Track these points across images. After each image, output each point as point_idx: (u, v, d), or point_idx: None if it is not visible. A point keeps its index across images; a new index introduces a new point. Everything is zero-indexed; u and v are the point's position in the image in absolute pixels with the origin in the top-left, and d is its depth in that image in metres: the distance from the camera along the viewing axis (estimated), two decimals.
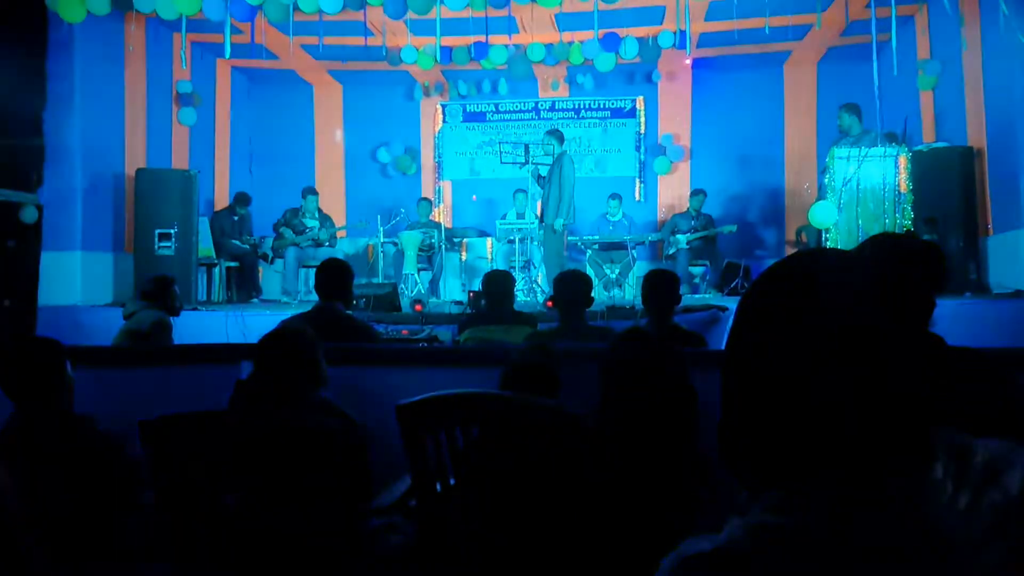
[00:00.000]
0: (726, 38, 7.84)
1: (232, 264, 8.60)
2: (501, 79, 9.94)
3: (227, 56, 7.59)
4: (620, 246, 8.36)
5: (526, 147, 7.86)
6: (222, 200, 9.45)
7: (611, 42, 8.15)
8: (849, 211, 6.50)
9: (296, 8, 7.07)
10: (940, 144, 6.97)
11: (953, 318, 5.18)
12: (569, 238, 8.43)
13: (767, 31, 7.47)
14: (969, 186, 6.62)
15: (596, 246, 8.48)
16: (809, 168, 9.30)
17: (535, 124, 10.00)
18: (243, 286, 8.74)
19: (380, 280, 8.13)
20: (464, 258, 9.35)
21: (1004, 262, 6.33)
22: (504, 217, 9.14)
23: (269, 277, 9.26)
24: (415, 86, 10.37)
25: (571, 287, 3.74)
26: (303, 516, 2.06)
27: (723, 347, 0.90)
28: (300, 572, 2.06)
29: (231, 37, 7.18)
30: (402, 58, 8.21)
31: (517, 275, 7.57)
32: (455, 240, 9.19)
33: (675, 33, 7.98)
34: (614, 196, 9.03)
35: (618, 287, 8.24)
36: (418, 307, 6.59)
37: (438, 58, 8.01)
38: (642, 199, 10.25)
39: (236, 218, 8.73)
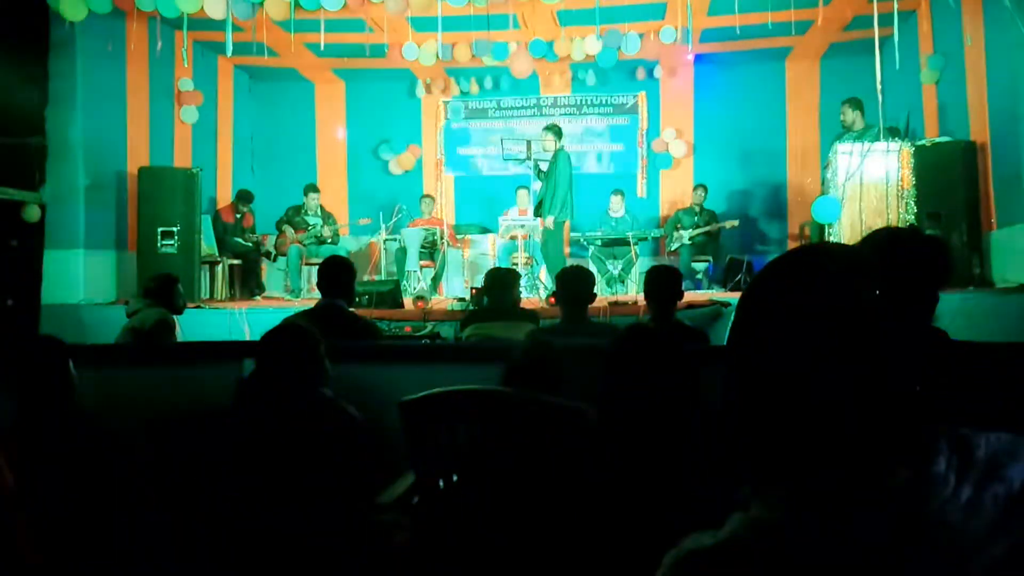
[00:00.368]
0: (728, 33, 7.82)
1: (235, 262, 8.62)
2: (503, 75, 9.93)
3: (229, 54, 7.59)
4: (623, 242, 8.36)
5: (528, 143, 7.86)
6: (225, 198, 9.45)
7: (613, 38, 8.14)
8: (852, 206, 6.49)
9: (297, 5, 7.07)
10: (943, 139, 6.94)
11: (956, 313, 5.17)
12: (571, 234, 8.44)
13: (769, 26, 7.46)
14: (972, 180, 6.59)
15: (599, 242, 8.47)
16: (812, 163, 9.29)
17: (537, 121, 9.98)
18: (246, 284, 8.76)
19: (382, 277, 8.13)
20: (466, 255, 9.35)
21: (1007, 256, 6.30)
22: (506, 214, 9.13)
23: (272, 275, 9.28)
24: (417, 83, 10.36)
25: (573, 284, 3.74)
26: (305, 514, 2.06)
27: (725, 343, 0.89)
28: (302, 571, 2.06)
29: (232, 35, 7.18)
30: (404, 55, 8.20)
31: (519, 272, 7.56)
32: (457, 237, 9.20)
33: (677, 29, 7.97)
34: (616, 192, 9.02)
35: (620, 283, 8.24)
36: (420, 304, 6.60)
37: (440, 55, 8.01)
38: (644, 195, 10.24)
39: (239, 216, 8.74)
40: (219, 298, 8.26)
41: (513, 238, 8.24)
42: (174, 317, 4.90)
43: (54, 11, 6.79)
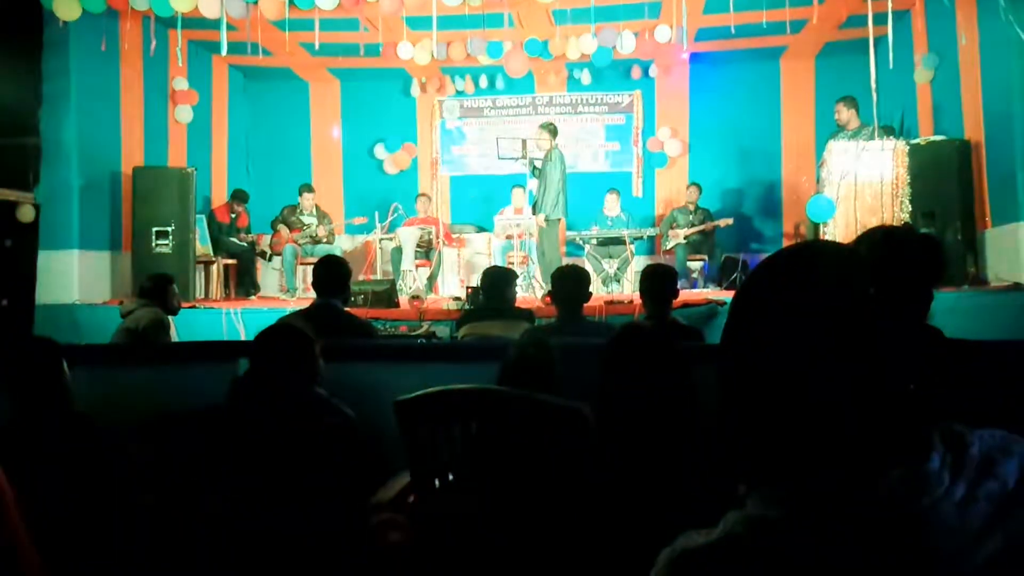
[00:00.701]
0: (723, 32, 7.82)
1: (230, 262, 8.60)
2: (498, 74, 9.93)
3: (223, 53, 7.57)
4: (618, 241, 8.36)
5: (523, 142, 7.86)
6: (219, 198, 9.44)
7: (608, 37, 8.15)
8: (847, 205, 6.50)
9: (292, 4, 7.06)
10: (937, 137, 6.96)
11: (951, 311, 5.18)
12: (567, 233, 8.44)
13: (764, 25, 7.47)
14: (966, 179, 6.61)
15: (594, 241, 8.47)
16: (807, 162, 9.30)
17: (532, 119, 9.97)
18: (241, 283, 8.75)
19: (378, 277, 8.12)
20: (462, 254, 9.34)
21: (1002, 255, 6.33)
22: (502, 212, 9.13)
23: (267, 274, 9.27)
24: (412, 82, 10.35)
25: (568, 283, 3.74)
26: (300, 514, 2.06)
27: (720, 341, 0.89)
28: (296, 570, 2.06)
29: (227, 34, 7.17)
30: (399, 54, 8.19)
31: (515, 271, 7.56)
32: (453, 236, 9.19)
33: (672, 27, 7.97)
34: (612, 191, 9.03)
35: (616, 282, 8.24)
36: (416, 303, 6.60)
37: (435, 54, 8.00)
38: (640, 194, 10.25)
39: (234, 215, 8.73)
40: (214, 298, 8.25)
41: (509, 237, 8.24)
42: (169, 317, 4.89)
43: (48, 10, 6.76)
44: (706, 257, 8.75)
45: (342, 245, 9.07)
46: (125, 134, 8.02)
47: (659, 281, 3.70)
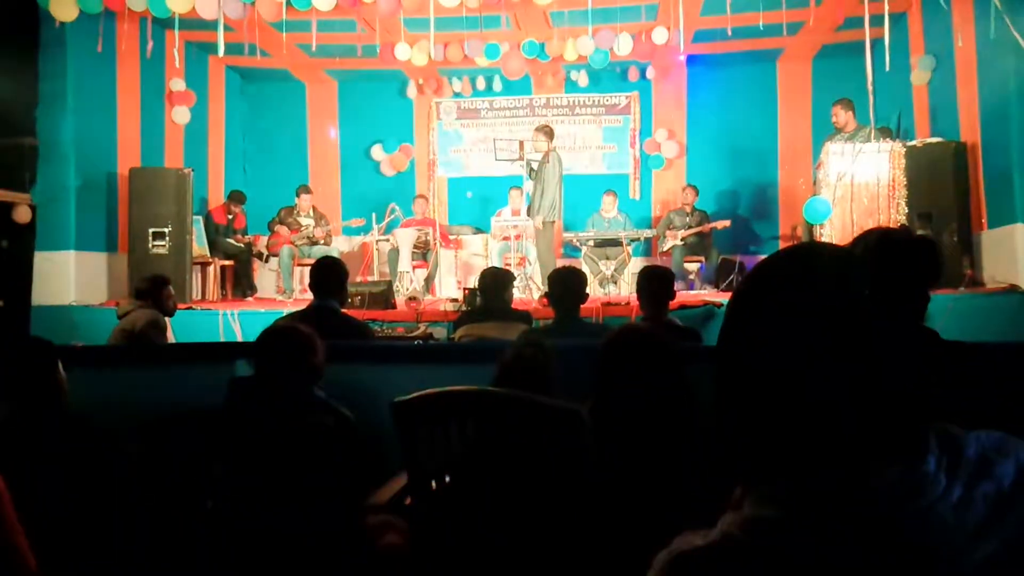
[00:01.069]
0: (720, 34, 7.84)
1: (226, 263, 8.59)
2: (495, 76, 9.93)
3: (220, 54, 7.56)
4: (615, 242, 8.36)
5: (520, 144, 7.86)
6: (216, 199, 9.43)
7: (605, 39, 8.15)
8: (843, 206, 6.51)
9: (289, 5, 7.06)
10: (934, 139, 6.98)
11: (947, 313, 5.19)
12: (564, 235, 8.44)
13: (761, 27, 7.49)
14: (963, 181, 6.63)
15: (591, 242, 8.48)
16: (803, 163, 9.31)
17: (530, 121, 9.98)
18: (237, 285, 8.74)
19: (375, 278, 8.12)
20: (459, 255, 9.34)
21: (998, 256, 6.34)
22: (499, 214, 9.13)
23: (264, 276, 9.25)
24: (409, 83, 10.35)
25: (565, 284, 3.74)
26: (297, 514, 2.05)
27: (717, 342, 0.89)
28: (296, 570, 2.06)
29: (224, 35, 7.16)
30: (396, 55, 8.19)
31: (513, 272, 7.56)
32: (450, 237, 9.19)
33: (669, 30, 7.98)
34: (609, 192, 9.03)
35: (613, 284, 8.25)
36: (413, 305, 6.59)
37: (432, 55, 8.00)
38: (637, 196, 10.26)
39: (230, 216, 8.72)
40: (211, 299, 8.24)
41: (506, 238, 8.24)
42: (165, 318, 4.88)
43: (44, 11, 6.76)
44: (703, 259, 8.76)
45: (339, 246, 9.07)
46: (122, 135, 8.01)
47: (656, 282, 3.70)
